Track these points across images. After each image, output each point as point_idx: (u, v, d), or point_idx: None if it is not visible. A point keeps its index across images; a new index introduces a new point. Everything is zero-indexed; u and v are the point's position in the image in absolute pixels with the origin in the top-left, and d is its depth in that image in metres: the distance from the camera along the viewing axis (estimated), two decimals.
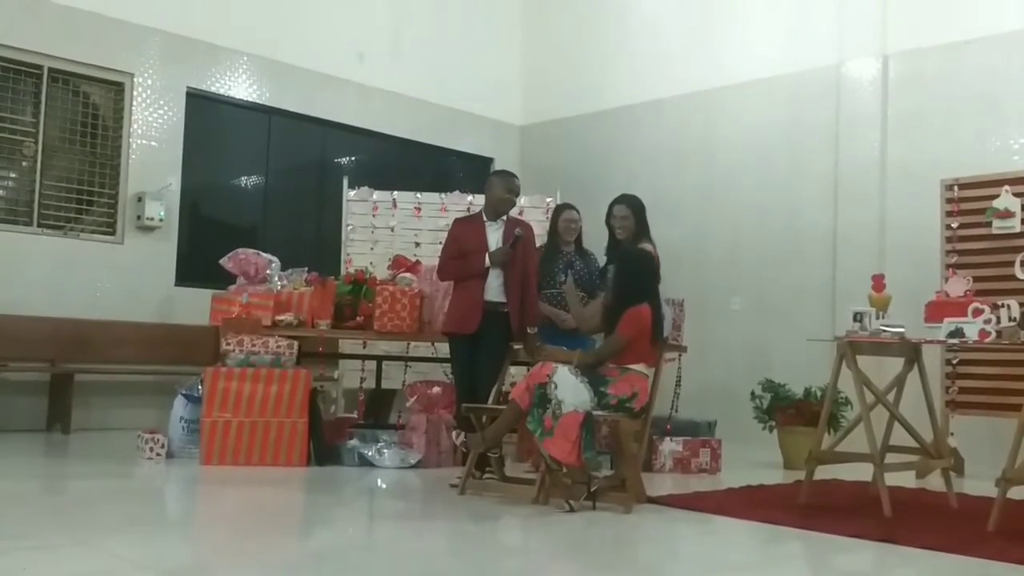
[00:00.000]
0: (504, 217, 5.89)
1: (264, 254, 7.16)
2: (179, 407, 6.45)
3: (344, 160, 10.42)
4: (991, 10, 7.95)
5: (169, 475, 5.89)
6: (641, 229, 6.05)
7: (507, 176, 5.96)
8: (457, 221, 6.07)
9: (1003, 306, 4.88)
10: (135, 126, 8.60)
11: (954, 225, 7.12)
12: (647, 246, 6.04)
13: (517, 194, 5.96)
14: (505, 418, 5.11)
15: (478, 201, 8.13)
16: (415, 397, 6.67)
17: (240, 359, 6.26)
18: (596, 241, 6.45)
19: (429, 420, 6.51)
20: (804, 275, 8.84)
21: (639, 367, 5.13)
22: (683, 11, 10.03)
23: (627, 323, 5.07)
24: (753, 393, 7.53)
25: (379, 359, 7.60)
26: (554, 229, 6.53)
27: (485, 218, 5.88)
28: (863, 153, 8.53)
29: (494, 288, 5.74)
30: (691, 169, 9.75)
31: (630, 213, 6.04)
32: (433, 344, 7.34)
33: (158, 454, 6.24)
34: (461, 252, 5.81)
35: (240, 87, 9.30)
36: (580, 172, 10.20)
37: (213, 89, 9.13)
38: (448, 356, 6.08)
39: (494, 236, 5.81)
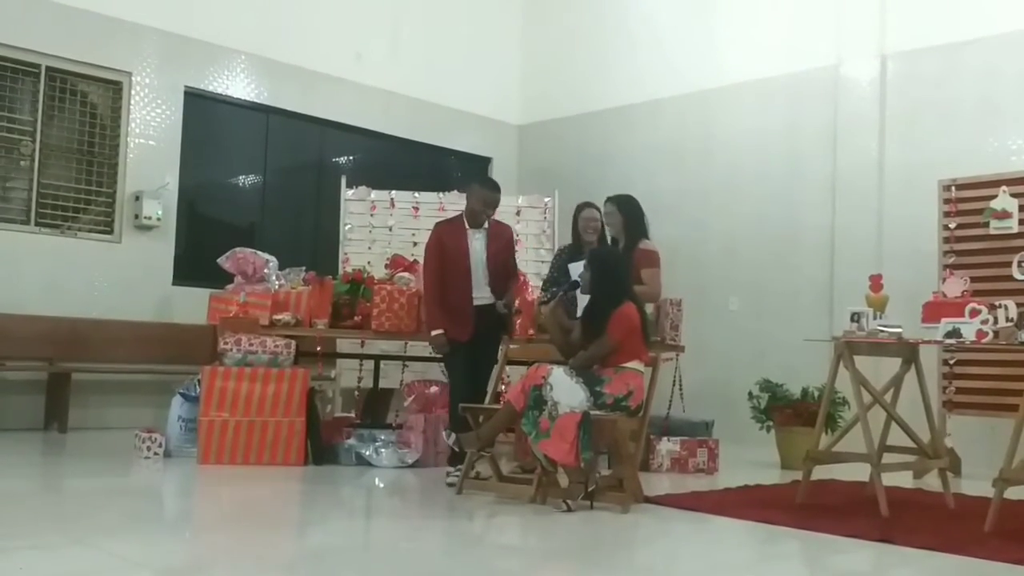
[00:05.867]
0: (486, 224, 5.86)
1: (262, 253, 7.16)
2: (176, 406, 6.45)
3: (342, 159, 10.42)
4: (989, 11, 7.95)
5: (166, 474, 5.89)
6: (632, 227, 6.04)
7: (488, 190, 5.84)
8: (438, 225, 6.01)
9: (1000, 306, 4.88)
10: (133, 125, 8.59)
11: (951, 225, 7.13)
12: (648, 245, 6.04)
13: (494, 208, 5.86)
14: (499, 418, 5.11)
15: None
16: (413, 396, 6.68)
17: (238, 358, 6.25)
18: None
19: (427, 419, 6.50)
20: (802, 275, 8.85)
21: (633, 364, 5.12)
22: (682, 11, 10.03)
23: (615, 325, 5.07)
24: (751, 393, 7.54)
25: (377, 358, 7.60)
26: (575, 229, 6.48)
27: (466, 224, 5.84)
28: (861, 153, 8.53)
29: (483, 292, 5.80)
30: (689, 169, 9.75)
31: (615, 210, 6.09)
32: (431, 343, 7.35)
33: (155, 453, 6.24)
34: (443, 259, 5.78)
35: (238, 86, 9.30)
36: (578, 172, 10.21)
37: (211, 88, 9.13)
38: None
39: (477, 243, 5.80)
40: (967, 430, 7.01)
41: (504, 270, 5.89)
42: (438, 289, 5.78)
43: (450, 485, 5.48)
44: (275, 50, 9.46)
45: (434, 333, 5.75)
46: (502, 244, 5.91)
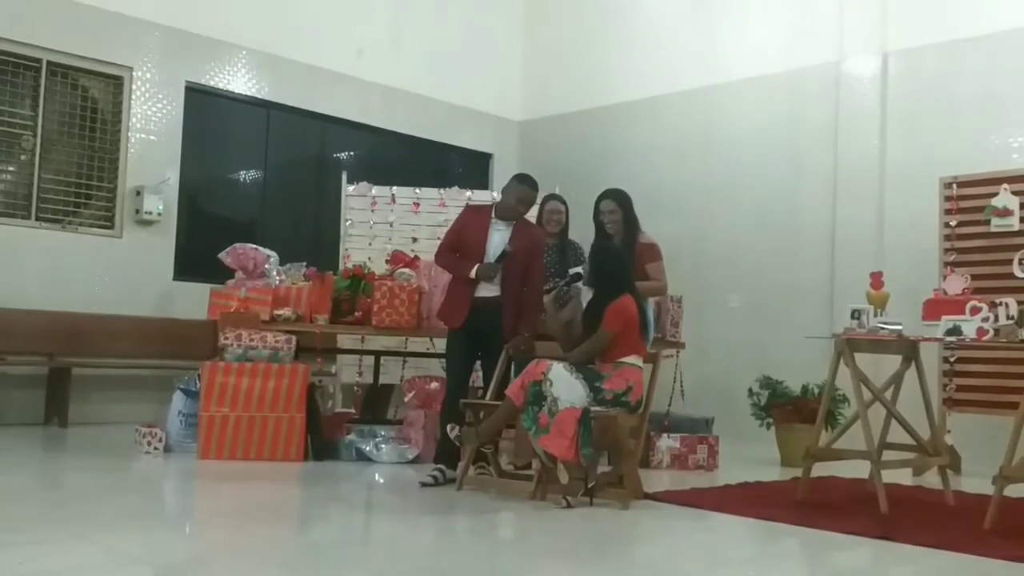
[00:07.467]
0: (515, 221, 5.69)
1: (263, 249, 7.16)
2: (177, 401, 6.45)
3: (343, 155, 10.41)
4: (991, 8, 7.94)
5: (167, 469, 5.89)
6: (631, 222, 6.00)
7: (526, 187, 5.68)
8: (469, 208, 5.95)
9: (1001, 304, 4.88)
10: (134, 120, 8.59)
11: (952, 223, 7.12)
12: (647, 238, 6.02)
13: (528, 207, 5.75)
14: (499, 415, 5.10)
15: (476, 197, 8.14)
16: (413, 392, 6.68)
17: (238, 354, 6.26)
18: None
19: (427, 415, 6.50)
20: (802, 272, 8.84)
21: (632, 359, 5.12)
22: (683, 8, 10.02)
23: (611, 317, 5.06)
24: (751, 390, 7.54)
25: (377, 354, 7.60)
26: (539, 221, 6.45)
27: (494, 215, 5.70)
28: (862, 151, 8.52)
29: (490, 284, 5.58)
30: (690, 166, 9.75)
31: (617, 207, 5.98)
32: (431, 339, 7.36)
33: (156, 448, 6.24)
34: (460, 241, 5.70)
35: (239, 81, 9.29)
36: (579, 168, 10.19)
37: (212, 83, 9.12)
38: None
39: (498, 236, 5.61)
40: (967, 428, 7.01)
41: (526, 275, 5.59)
42: (450, 255, 5.70)
43: (424, 485, 5.36)
44: (276, 46, 9.45)
45: (475, 268, 5.53)
46: (522, 244, 5.61)
